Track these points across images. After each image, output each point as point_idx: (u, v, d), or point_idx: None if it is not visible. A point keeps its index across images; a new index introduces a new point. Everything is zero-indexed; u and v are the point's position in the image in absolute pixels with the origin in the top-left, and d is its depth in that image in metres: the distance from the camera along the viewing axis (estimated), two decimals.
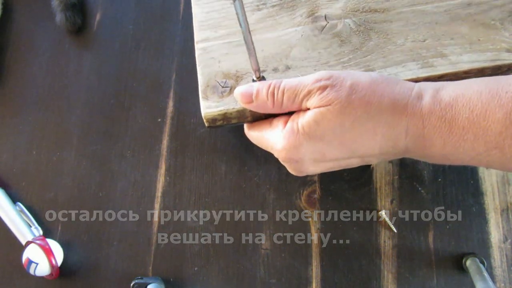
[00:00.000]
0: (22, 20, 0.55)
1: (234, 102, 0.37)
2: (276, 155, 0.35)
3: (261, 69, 0.36)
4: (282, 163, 0.36)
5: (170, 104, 0.49)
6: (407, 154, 0.33)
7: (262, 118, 0.37)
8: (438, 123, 0.30)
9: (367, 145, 0.32)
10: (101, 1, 0.54)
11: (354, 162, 0.34)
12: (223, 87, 0.38)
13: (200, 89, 0.38)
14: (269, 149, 0.36)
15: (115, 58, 0.51)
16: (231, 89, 0.38)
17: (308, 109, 0.32)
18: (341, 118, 0.31)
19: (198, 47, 0.40)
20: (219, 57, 0.39)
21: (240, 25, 0.31)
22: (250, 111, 0.36)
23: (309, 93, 0.32)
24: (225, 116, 0.37)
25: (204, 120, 0.38)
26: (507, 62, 0.36)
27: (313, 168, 0.35)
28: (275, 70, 0.38)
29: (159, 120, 0.49)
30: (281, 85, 0.33)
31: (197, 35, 0.41)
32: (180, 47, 0.51)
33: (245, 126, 0.39)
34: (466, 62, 0.37)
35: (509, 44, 0.37)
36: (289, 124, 0.33)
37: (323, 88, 0.31)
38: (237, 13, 0.30)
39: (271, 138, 0.35)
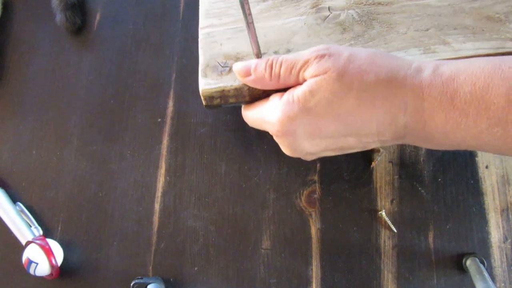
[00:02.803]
0: (22, 20, 0.55)
1: (233, 80, 0.37)
2: (270, 129, 0.34)
3: (262, 52, 0.37)
4: (276, 140, 0.35)
5: (170, 104, 0.49)
6: (406, 137, 0.32)
7: (260, 98, 0.37)
8: (439, 96, 0.29)
9: (364, 119, 0.31)
10: (101, 1, 0.54)
11: (351, 143, 0.33)
12: (222, 66, 0.38)
13: (200, 68, 0.39)
14: (264, 126, 0.36)
15: (115, 58, 0.51)
16: (230, 69, 0.38)
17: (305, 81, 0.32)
18: (337, 87, 0.30)
19: (202, 32, 0.41)
20: (221, 41, 0.40)
21: (244, 17, 0.31)
22: (248, 89, 0.37)
23: (306, 63, 0.32)
24: (222, 94, 0.38)
25: (202, 98, 0.38)
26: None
27: (308, 145, 0.34)
28: (276, 53, 0.39)
29: (159, 120, 0.49)
30: (279, 58, 0.33)
31: (201, 22, 0.41)
32: (180, 47, 0.51)
33: (243, 107, 0.39)
34: (470, 49, 0.36)
35: None
36: (285, 95, 0.33)
37: (321, 57, 0.31)
38: (241, 5, 0.30)
39: (266, 112, 0.34)
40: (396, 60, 0.31)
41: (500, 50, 0.36)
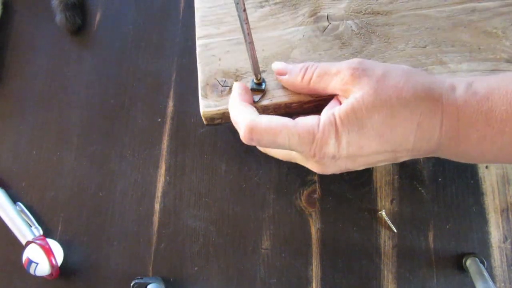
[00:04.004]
0: (22, 20, 0.55)
1: None
2: (310, 155, 0.32)
3: (261, 69, 0.36)
4: (314, 163, 0.33)
5: (170, 104, 0.49)
6: (439, 152, 0.32)
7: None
8: (474, 115, 0.29)
9: (404, 135, 0.31)
10: (101, 1, 0.54)
11: (387, 158, 0.33)
12: (222, 86, 0.38)
13: (200, 87, 0.38)
14: (294, 155, 0.34)
15: (115, 58, 0.51)
16: (230, 89, 0.38)
17: (336, 94, 0.32)
18: (378, 104, 0.30)
19: (199, 43, 0.40)
20: (219, 55, 0.39)
21: (244, 37, 0.31)
22: None
23: (339, 73, 0.32)
24: (223, 115, 0.38)
25: (203, 119, 0.38)
26: (506, 71, 0.36)
27: (344, 164, 0.33)
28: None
29: (159, 120, 0.49)
30: (315, 64, 0.34)
31: (198, 31, 0.41)
32: (180, 47, 0.51)
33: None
34: (465, 70, 0.36)
35: (508, 54, 0.37)
36: (324, 116, 0.31)
37: (355, 70, 0.31)
38: (241, 26, 0.30)
39: (300, 141, 0.31)
40: (430, 77, 0.31)
41: (496, 72, 0.36)
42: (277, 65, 0.36)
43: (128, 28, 0.53)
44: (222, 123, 0.39)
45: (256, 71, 0.35)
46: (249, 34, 0.31)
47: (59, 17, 0.52)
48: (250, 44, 0.31)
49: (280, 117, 0.32)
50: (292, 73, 0.35)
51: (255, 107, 0.36)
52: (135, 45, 0.52)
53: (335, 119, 0.31)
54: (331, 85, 0.33)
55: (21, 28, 0.54)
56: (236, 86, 0.36)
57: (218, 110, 0.37)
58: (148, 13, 0.53)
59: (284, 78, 0.36)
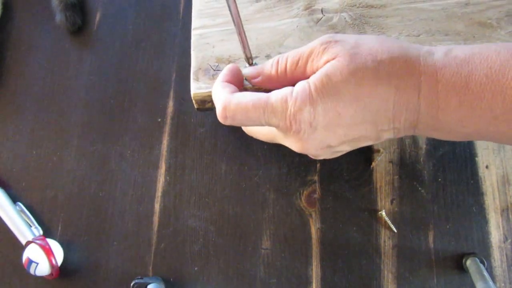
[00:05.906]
0: (22, 20, 0.55)
1: None
2: (283, 126, 0.31)
3: (254, 55, 0.36)
4: (293, 136, 0.32)
5: (170, 104, 0.49)
6: (419, 125, 0.31)
7: None
8: (454, 78, 0.28)
9: (383, 100, 0.30)
10: (101, 1, 0.54)
11: (368, 132, 0.32)
12: (214, 70, 0.38)
13: (192, 71, 0.39)
14: (274, 130, 0.33)
15: (115, 58, 0.51)
16: None
17: (313, 72, 0.31)
18: (353, 68, 0.29)
19: (194, 33, 0.41)
20: (213, 43, 0.40)
21: (230, 11, 0.31)
22: None
23: (312, 53, 0.31)
24: None
25: (194, 102, 0.38)
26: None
27: (324, 136, 0.31)
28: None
29: (159, 120, 0.49)
30: (285, 54, 0.33)
31: (194, 22, 0.41)
32: (180, 47, 0.51)
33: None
34: None
35: (504, 41, 0.37)
36: (298, 85, 0.31)
37: (327, 43, 0.31)
38: (227, 2, 0.30)
39: (276, 109, 0.31)
40: (406, 43, 0.31)
41: None
42: (246, 71, 0.35)
43: (128, 28, 0.53)
44: (213, 108, 0.38)
45: (246, 52, 0.35)
46: (236, 8, 0.30)
47: (59, 17, 0.52)
48: (235, 16, 0.31)
49: (255, 93, 0.32)
50: (265, 71, 0.34)
51: (252, 89, 0.36)
52: (135, 45, 0.52)
53: (309, 86, 0.30)
54: (308, 66, 0.32)
55: (21, 28, 0.54)
56: (224, 68, 0.35)
57: (209, 92, 0.37)
58: (148, 13, 0.53)
59: (258, 79, 0.34)
